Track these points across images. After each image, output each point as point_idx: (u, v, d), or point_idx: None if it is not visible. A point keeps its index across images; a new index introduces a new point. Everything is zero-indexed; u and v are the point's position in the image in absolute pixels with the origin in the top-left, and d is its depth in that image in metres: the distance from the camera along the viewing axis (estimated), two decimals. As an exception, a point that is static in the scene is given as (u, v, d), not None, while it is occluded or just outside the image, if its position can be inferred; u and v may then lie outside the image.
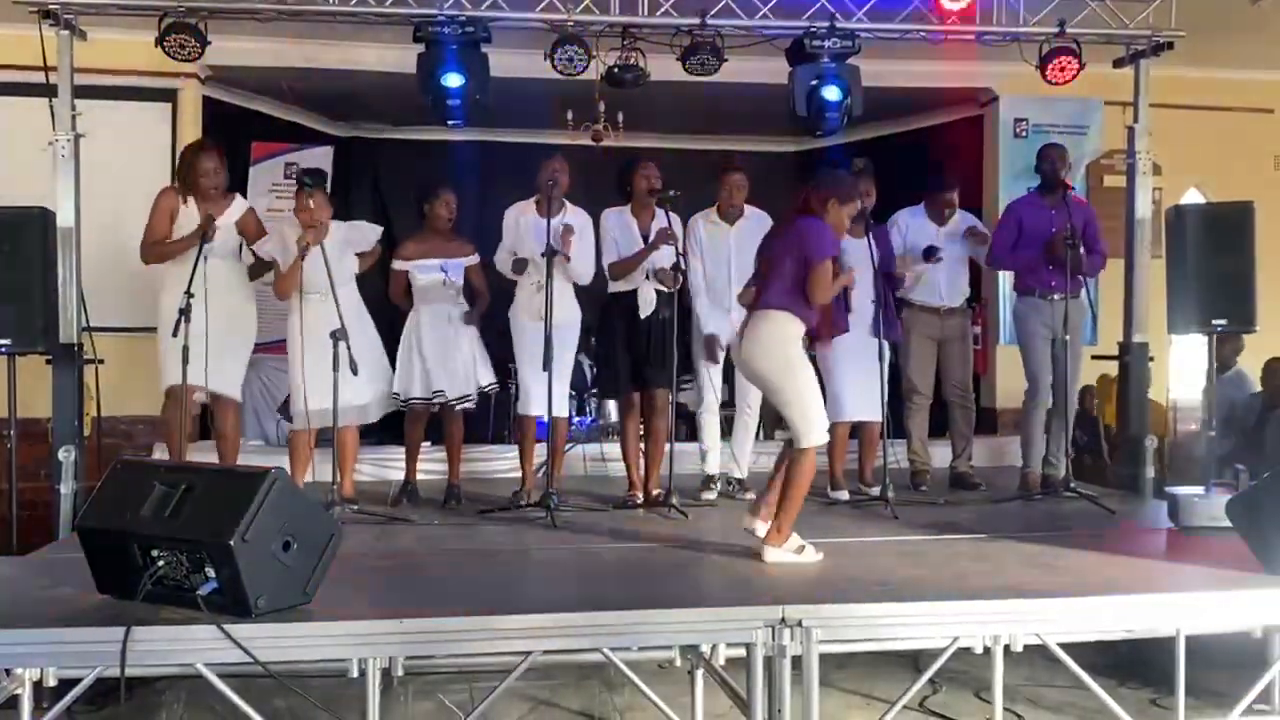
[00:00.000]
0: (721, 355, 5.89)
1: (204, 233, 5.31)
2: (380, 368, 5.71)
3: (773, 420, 8.51)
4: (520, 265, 5.68)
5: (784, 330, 4.40)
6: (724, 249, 5.91)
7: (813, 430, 4.35)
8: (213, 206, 5.52)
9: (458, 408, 5.90)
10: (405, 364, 5.83)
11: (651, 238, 5.68)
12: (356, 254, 5.63)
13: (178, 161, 5.83)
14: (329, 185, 5.91)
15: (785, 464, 4.47)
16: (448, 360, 5.79)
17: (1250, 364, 7.61)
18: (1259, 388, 7.59)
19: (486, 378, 5.96)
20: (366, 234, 5.74)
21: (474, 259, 5.89)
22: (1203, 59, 7.22)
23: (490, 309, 6.02)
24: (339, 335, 5.12)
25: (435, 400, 5.81)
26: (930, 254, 6.18)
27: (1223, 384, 6.92)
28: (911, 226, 6.36)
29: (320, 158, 8.64)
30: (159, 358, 5.45)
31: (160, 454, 6.30)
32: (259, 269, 5.76)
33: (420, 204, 5.91)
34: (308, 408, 5.44)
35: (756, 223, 5.95)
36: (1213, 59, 7.62)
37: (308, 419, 5.47)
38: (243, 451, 6.10)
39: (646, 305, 5.73)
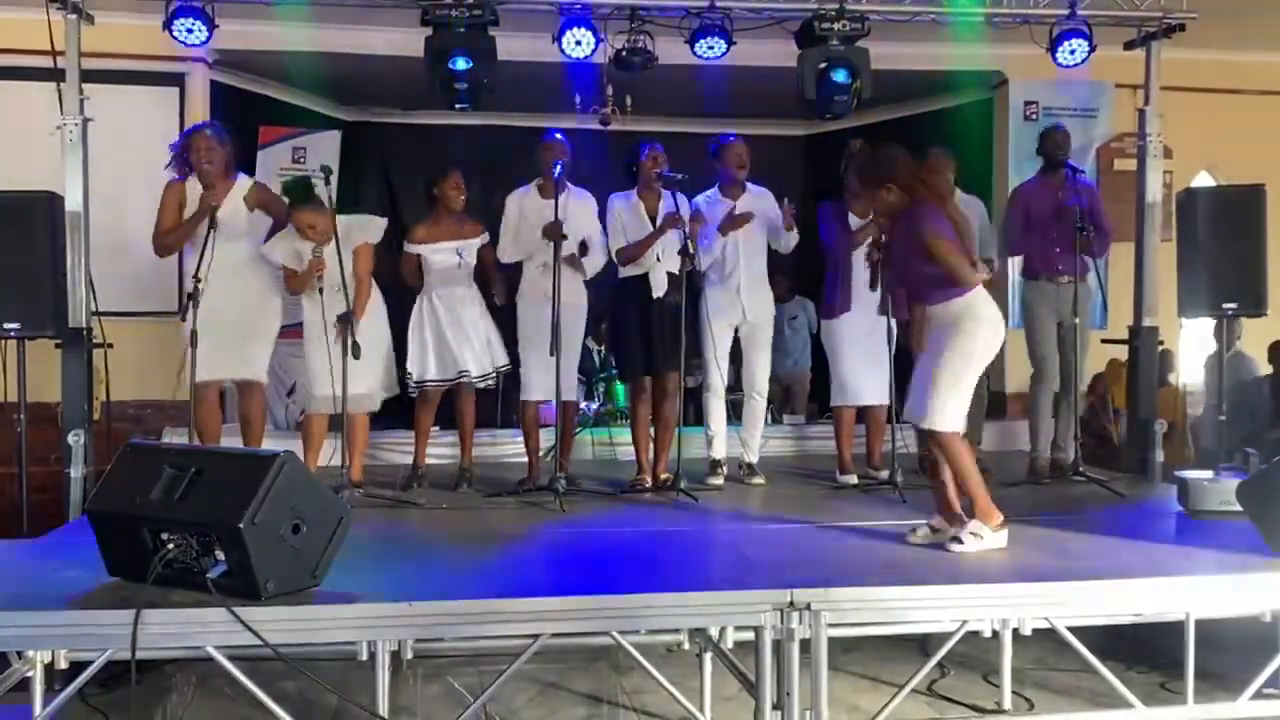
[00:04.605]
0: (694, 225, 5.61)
1: (208, 214, 5.19)
2: (386, 359, 5.68)
3: (781, 405, 8.56)
4: (584, 249, 5.61)
5: None
6: None
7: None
8: (215, 187, 5.40)
9: (480, 385, 5.85)
10: (418, 347, 5.79)
11: (659, 221, 5.65)
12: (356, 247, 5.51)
13: None
14: (335, 168, 5.85)
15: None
16: (469, 340, 5.76)
17: (1254, 347, 7.60)
18: (1262, 369, 7.57)
19: (501, 358, 5.92)
20: (371, 229, 5.63)
21: (486, 238, 5.84)
22: (1214, 41, 7.16)
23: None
24: (345, 318, 5.15)
25: (460, 379, 5.76)
26: None
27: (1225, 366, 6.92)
28: None
29: (327, 142, 8.65)
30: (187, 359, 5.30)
31: (172, 439, 6.30)
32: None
33: (430, 188, 5.86)
34: (321, 393, 5.43)
35: (758, 199, 5.93)
36: (1224, 41, 7.58)
37: (330, 402, 5.42)
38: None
39: (659, 287, 5.70)
